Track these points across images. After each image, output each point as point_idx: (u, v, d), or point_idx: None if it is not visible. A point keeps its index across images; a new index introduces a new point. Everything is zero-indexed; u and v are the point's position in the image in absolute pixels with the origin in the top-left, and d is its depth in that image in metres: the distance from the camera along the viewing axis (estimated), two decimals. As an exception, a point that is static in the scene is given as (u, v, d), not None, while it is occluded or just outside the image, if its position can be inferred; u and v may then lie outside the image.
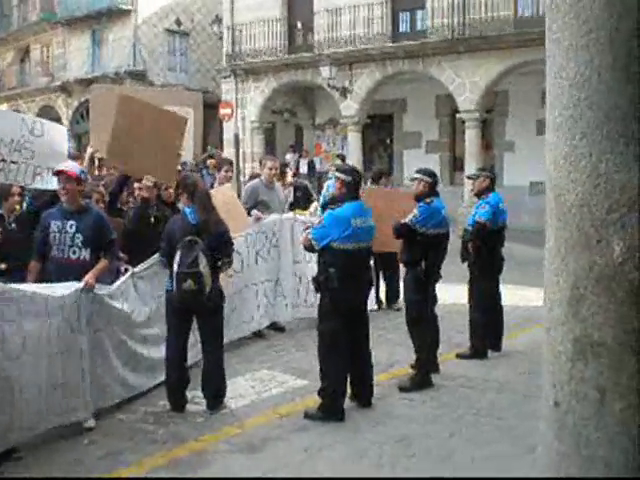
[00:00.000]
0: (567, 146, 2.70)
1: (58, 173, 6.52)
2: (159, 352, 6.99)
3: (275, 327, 9.64)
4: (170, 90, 15.05)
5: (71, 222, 6.30)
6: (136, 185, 8.06)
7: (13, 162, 7.81)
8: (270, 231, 9.29)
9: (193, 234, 6.45)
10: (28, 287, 5.86)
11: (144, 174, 7.75)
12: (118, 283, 6.72)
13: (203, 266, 6.36)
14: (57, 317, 5.87)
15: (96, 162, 9.39)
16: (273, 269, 9.42)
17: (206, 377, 6.76)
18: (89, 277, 6.15)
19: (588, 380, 2.78)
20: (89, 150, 8.82)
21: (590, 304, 2.74)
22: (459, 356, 8.41)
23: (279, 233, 9.47)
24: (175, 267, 6.40)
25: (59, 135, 8.53)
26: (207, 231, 6.56)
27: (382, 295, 11.05)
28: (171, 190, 7.86)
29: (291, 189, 10.96)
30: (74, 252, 6.29)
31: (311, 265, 8.98)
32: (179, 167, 8.83)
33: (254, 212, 9.07)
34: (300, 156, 26.46)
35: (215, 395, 6.75)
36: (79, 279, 6.10)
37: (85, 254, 6.31)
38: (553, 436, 2.81)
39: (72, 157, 10.00)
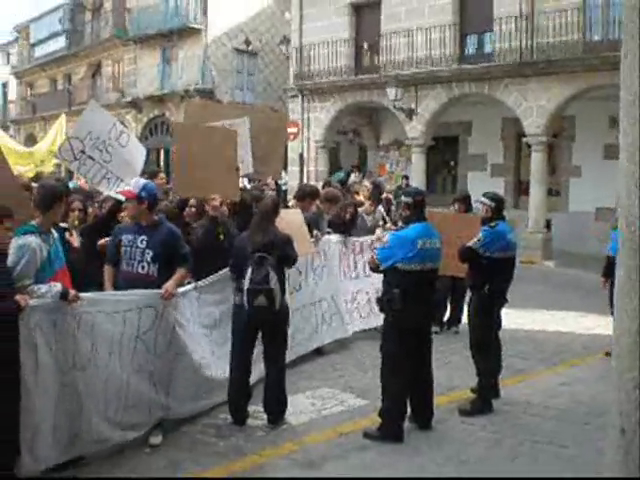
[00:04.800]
0: (641, 174, 2.69)
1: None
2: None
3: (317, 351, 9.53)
4: (258, 108, 15.32)
5: (142, 237, 6.34)
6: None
7: (90, 157, 8.07)
8: (322, 250, 9.45)
9: (262, 251, 6.57)
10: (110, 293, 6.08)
11: (210, 194, 7.87)
12: (183, 288, 6.78)
13: (274, 283, 6.48)
14: (130, 326, 6.03)
15: None
16: (327, 287, 9.55)
17: (268, 392, 6.84)
18: (169, 285, 6.22)
19: (656, 409, 2.76)
20: None
21: (660, 332, 2.72)
22: None
23: (329, 252, 9.67)
24: (247, 283, 6.46)
25: (139, 153, 8.81)
26: (277, 248, 6.69)
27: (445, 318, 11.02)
28: (215, 203, 7.93)
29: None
30: (143, 267, 6.32)
31: (358, 281, 9.92)
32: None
33: (315, 232, 9.19)
34: (364, 176, 26.52)
35: (276, 410, 6.82)
36: None
37: (153, 269, 6.32)
38: (619, 463, 2.80)
39: (152, 174, 10.31)
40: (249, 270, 6.46)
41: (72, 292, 5.51)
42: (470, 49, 22.90)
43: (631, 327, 2.79)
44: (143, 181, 6.69)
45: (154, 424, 6.36)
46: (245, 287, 6.46)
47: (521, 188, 24.19)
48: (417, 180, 22.82)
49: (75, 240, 6.90)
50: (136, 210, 6.43)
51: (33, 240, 5.54)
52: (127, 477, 5.68)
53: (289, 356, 7.35)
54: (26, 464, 5.23)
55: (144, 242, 6.32)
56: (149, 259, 6.31)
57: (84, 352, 5.66)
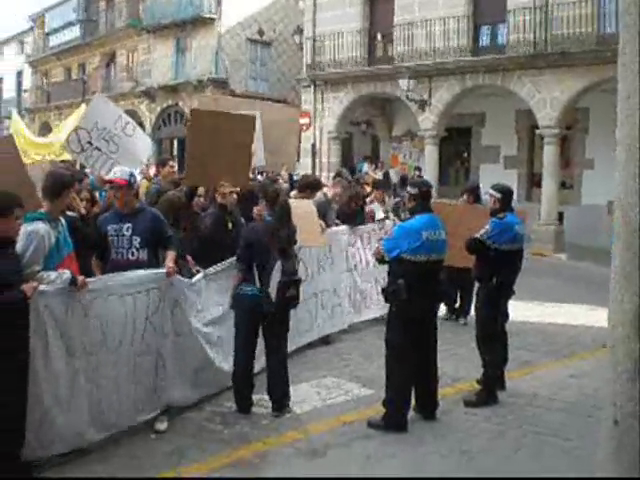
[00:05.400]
0: (637, 166, 2.70)
1: (109, 182, 6.80)
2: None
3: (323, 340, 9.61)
4: (273, 104, 15.36)
5: (127, 225, 6.43)
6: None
7: (97, 149, 8.13)
8: (328, 243, 9.48)
9: (285, 244, 6.67)
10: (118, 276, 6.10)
11: (221, 182, 7.89)
12: (194, 279, 6.87)
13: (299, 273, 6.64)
14: (141, 308, 6.09)
15: None
16: (330, 279, 9.61)
17: (272, 380, 6.88)
18: (169, 262, 6.34)
19: (650, 400, 2.76)
20: None
21: (653, 324, 2.72)
22: None
23: (335, 244, 9.72)
24: (277, 275, 6.54)
25: (144, 144, 8.85)
26: (295, 241, 6.89)
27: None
28: (225, 190, 7.95)
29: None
30: (132, 254, 6.41)
31: (366, 270, 10.18)
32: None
33: (320, 222, 9.22)
34: (376, 167, 26.47)
35: (281, 398, 6.86)
36: None
37: (143, 255, 6.42)
38: (611, 455, 2.81)
39: (162, 163, 10.32)
40: (278, 262, 6.54)
41: (80, 278, 5.58)
42: (483, 40, 22.79)
43: (625, 319, 2.79)
44: (127, 169, 6.83)
45: (161, 410, 6.42)
46: (277, 279, 6.53)
47: (534, 180, 24.11)
48: (430, 171, 22.78)
49: (80, 206, 6.95)
50: (127, 196, 6.55)
51: (42, 227, 5.61)
52: (116, 477, 5.69)
53: (289, 347, 7.36)
54: (32, 449, 5.28)
55: (129, 229, 6.43)
56: (137, 245, 6.41)
57: (95, 335, 5.72)
